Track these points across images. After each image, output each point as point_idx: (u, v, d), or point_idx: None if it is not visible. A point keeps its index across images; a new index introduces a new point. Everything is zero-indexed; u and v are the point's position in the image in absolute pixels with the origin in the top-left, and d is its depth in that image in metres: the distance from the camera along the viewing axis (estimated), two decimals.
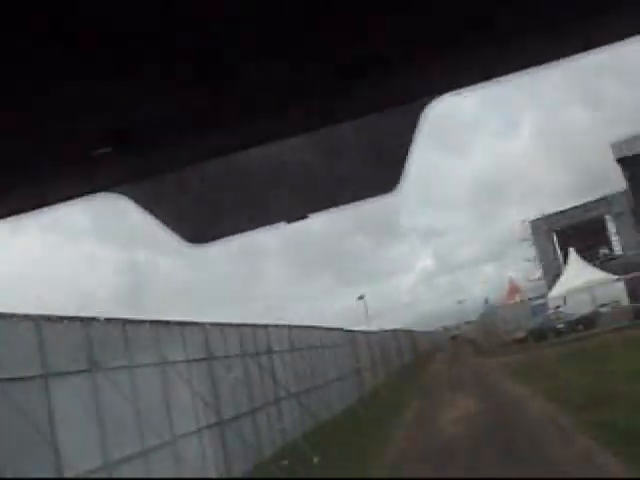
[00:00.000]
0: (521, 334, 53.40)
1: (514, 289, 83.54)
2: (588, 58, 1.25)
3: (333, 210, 1.67)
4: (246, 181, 1.53)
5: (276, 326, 25.07)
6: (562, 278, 68.22)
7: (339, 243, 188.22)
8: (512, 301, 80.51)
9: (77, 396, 12.24)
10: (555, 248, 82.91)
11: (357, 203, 1.66)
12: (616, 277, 63.04)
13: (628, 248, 77.45)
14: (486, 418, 19.42)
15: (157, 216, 1.49)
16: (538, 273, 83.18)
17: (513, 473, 12.62)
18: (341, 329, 37.21)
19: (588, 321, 45.88)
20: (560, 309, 57.20)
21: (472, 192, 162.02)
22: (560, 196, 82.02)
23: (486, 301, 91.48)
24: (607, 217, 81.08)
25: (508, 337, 55.67)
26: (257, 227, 1.63)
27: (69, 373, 12.33)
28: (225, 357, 19.18)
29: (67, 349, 12.43)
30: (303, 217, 1.65)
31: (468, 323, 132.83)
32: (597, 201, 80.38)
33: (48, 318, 12.20)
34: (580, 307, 51.17)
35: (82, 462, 11.71)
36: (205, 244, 1.60)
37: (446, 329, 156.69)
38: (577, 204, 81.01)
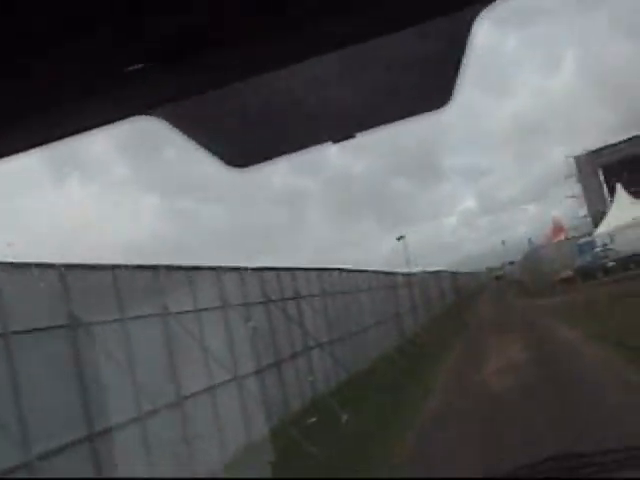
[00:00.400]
0: (568, 273, 50.88)
1: (558, 228, 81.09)
2: None
3: (381, 128, 1.60)
4: (289, 99, 1.46)
5: (305, 269, 23.11)
6: (609, 215, 65.66)
7: (380, 186, 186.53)
8: (556, 240, 78.02)
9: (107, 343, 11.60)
10: (601, 184, 79.98)
11: (407, 119, 1.58)
12: None
13: None
14: (537, 371, 17.28)
15: (196, 139, 1.44)
16: (583, 210, 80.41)
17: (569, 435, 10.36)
18: (379, 271, 35.35)
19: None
20: (608, 247, 54.96)
21: (514, 130, 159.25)
22: (605, 134, 77.95)
23: (530, 241, 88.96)
24: None
25: (555, 277, 53.19)
26: (302, 148, 1.58)
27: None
28: (244, 304, 17.28)
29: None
30: (350, 136, 1.59)
31: (512, 263, 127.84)
32: None
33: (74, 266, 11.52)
34: (629, 244, 48.71)
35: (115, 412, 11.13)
36: (246, 168, 1.56)
37: (490, 270, 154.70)
38: (623, 139, 77.79)
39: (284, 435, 14.76)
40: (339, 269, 27.58)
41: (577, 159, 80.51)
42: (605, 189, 79.65)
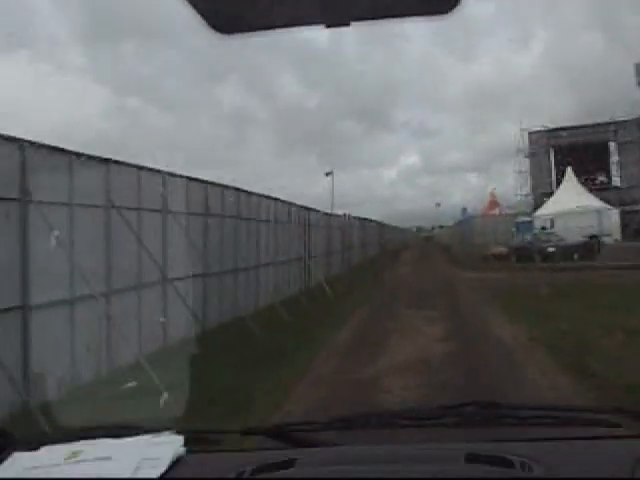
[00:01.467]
0: (502, 249, 46.28)
1: (494, 202, 79.85)
2: None
3: (377, 22, 1.58)
4: None
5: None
6: (553, 198, 61.87)
7: (330, 124, 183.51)
8: (491, 213, 76.27)
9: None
10: (551, 165, 75.72)
11: (408, 18, 1.56)
12: (613, 207, 56.78)
13: (627, 180, 70.78)
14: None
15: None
16: (527, 189, 76.20)
17: None
18: (295, 204, 29.88)
19: (586, 250, 38.27)
20: (547, 230, 51.19)
21: (472, 98, 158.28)
22: (560, 119, 74.32)
23: (464, 210, 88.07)
24: (611, 144, 73.74)
25: (486, 250, 48.72)
26: (292, 25, 1.57)
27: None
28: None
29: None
30: (345, 23, 1.56)
31: (442, 227, 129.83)
32: (605, 124, 72.71)
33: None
34: (568, 232, 44.65)
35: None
36: (231, 34, 1.55)
37: (419, 230, 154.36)
38: (584, 123, 73.43)
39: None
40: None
41: (531, 135, 75.92)
42: (553, 171, 75.42)
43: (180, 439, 2.17)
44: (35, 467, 2.01)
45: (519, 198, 75.97)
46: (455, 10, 1.47)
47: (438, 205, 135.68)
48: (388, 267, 45.92)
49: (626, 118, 70.86)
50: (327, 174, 54.23)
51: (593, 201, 58.09)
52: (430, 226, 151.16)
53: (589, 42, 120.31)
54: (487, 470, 1.79)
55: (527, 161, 75.87)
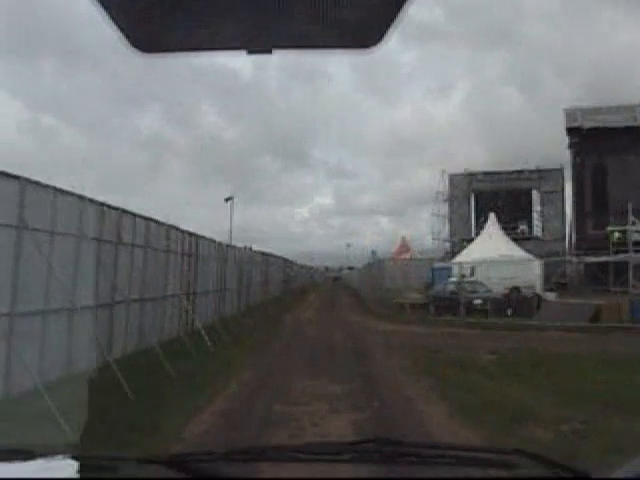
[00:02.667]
0: (417, 296, 40.70)
1: (405, 247, 78.00)
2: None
3: (300, 51, 1.61)
4: None
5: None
6: (474, 244, 57.05)
7: (247, 157, 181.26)
8: (402, 257, 72.44)
9: None
10: (471, 210, 71.30)
11: (330, 50, 1.61)
12: (536, 258, 52.19)
13: (549, 231, 66.82)
14: None
15: (108, 11, 1.41)
16: (445, 233, 71.55)
17: None
18: (186, 231, 24.82)
19: (523, 305, 32.47)
20: (470, 279, 46.37)
21: (391, 142, 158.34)
22: (482, 167, 71.35)
23: (373, 253, 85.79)
24: (535, 192, 69.72)
25: (400, 297, 43.30)
26: (216, 49, 1.58)
27: None
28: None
29: None
30: (267, 51, 1.57)
31: (351, 269, 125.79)
32: (530, 172, 68.75)
33: None
34: (489, 283, 39.54)
35: None
36: (151, 53, 1.52)
37: (328, 270, 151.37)
38: (507, 170, 69.35)
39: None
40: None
41: (452, 177, 71.49)
42: (473, 217, 71.05)
43: (75, 464, 2.12)
44: None
45: (436, 243, 71.52)
46: (376, 47, 1.50)
47: (349, 246, 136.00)
48: (291, 310, 40.12)
49: (551, 167, 67.22)
50: (227, 200, 48.28)
51: (516, 250, 53.56)
52: (339, 266, 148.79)
53: (509, 94, 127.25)
54: None
55: (446, 205, 71.32)
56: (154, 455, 2.39)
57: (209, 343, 20.34)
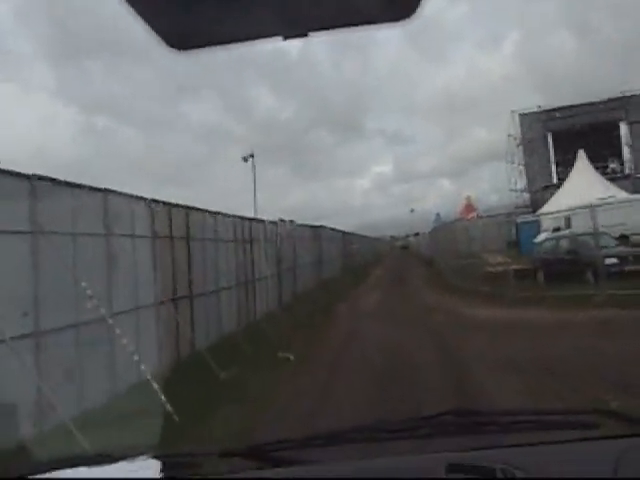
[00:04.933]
0: (506, 261, 30.58)
1: (470, 207, 68.45)
2: None
3: (337, 32, 1.56)
4: None
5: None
6: (563, 189, 47.02)
7: (303, 133, 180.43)
8: (469, 217, 61.63)
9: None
10: (550, 153, 60.79)
11: (366, 26, 1.55)
12: None
13: None
14: None
15: (140, 12, 1.41)
16: (521, 182, 61.34)
17: None
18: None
19: None
20: (562, 232, 36.46)
21: (445, 103, 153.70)
22: None
23: (437, 215, 79.44)
24: (622, 124, 58.85)
25: (484, 263, 33.56)
26: (250, 39, 1.55)
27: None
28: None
29: None
30: (303, 34, 1.54)
31: (417, 235, 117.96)
32: (613, 101, 57.92)
33: None
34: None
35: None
36: (187, 50, 1.53)
37: (393, 238, 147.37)
38: (587, 101, 58.56)
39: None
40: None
41: (523, 118, 61.05)
42: (553, 160, 60.58)
43: (158, 464, 2.16)
44: None
45: (506, 198, 61.50)
46: (415, 16, 1.45)
47: (412, 211, 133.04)
48: (349, 295, 30.96)
49: (638, 92, 56.32)
50: (245, 159, 38.86)
51: (616, 191, 43.47)
52: (404, 234, 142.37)
53: (563, 40, 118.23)
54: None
55: (520, 149, 60.96)
56: (233, 447, 2.33)
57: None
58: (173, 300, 15.47)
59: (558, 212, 36.08)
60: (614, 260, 21.64)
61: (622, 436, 2.05)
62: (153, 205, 14.90)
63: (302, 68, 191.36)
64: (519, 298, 21.34)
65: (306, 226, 34.99)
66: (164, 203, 15.68)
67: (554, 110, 59.50)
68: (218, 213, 19.65)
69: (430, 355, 13.36)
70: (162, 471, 2.10)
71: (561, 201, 42.61)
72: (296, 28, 1.50)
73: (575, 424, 2.18)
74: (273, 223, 27.10)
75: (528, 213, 50.67)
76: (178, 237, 16.23)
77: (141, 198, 14.44)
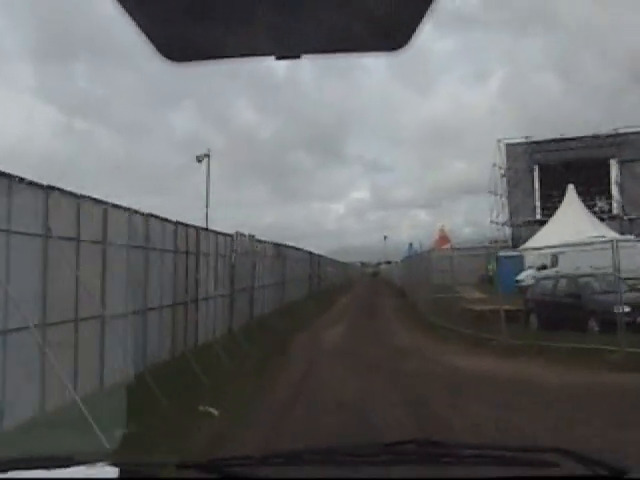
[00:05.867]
0: (483, 298, 26.70)
1: (444, 238, 67.64)
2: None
3: (329, 57, 1.61)
4: (240, 3, 1.46)
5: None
6: (550, 225, 43.80)
7: (283, 154, 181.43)
8: (443, 247, 58.36)
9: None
10: (535, 186, 57.56)
11: (358, 54, 1.60)
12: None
13: (630, 205, 52.90)
14: None
15: (139, 23, 1.43)
16: (502, 215, 57.98)
17: None
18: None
19: None
20: (547, 271, 33.80)
21: (427, 134, 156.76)
22: None
23: (410, 246, 77.29)
24: (612, 162, 55.72)
25: (464, 300, 29.87)
26: (244, 55, 1.57)
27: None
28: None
29: None
30: (296, 56, 1.58)
31: (389, 263, 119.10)
32: (606, 137, 54.87)
33: None
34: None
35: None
36: (182, 62, 1.54)
37: (364, 265, 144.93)
38: (578, 135, 55.41)
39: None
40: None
41: (510, 148, 57.88)
42: (538, 194, 57.40)
43: (115, 471, 2.10)
44: None
45: (487, 228, 58.17)
46: (406, 47, 1.48)
47: (385, 238, 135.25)
48: (311, 324, 27.09)
49: (632, 130, 53.27)
50: (199, 159, 35.27)
51: (606, 232, 40.16)
52: (376, 261, 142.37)
53: (547, 80, 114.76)
54: None
55: (504, 181, 57.67)
56: (192, 459, 2.31)
57: None
58: (75, 322, 11.82)
59: (548, 247, 32.55)
60: (627, 308, 17.88)
61: (580, 477, 2.06)
62: (49, 192, 11.27)
63: (287, 88, 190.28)
64: (511, 346, 17.56)
65: (268, 243, 31.13)
66: (72, 194, 12.07)
67: (542, 142, 56.38)
68: (152, 215, 15.95)
69: (405, 428, 9.51)
70: (119, 478, 2.00)
71: (545, 238, 39.44)
72: (290, 49, 1.52)
73: (536, 462, 2.14)
74: (227, 236, 23.27)
75: (507, 247, 47.30)
76: (88, 240, 12.62)
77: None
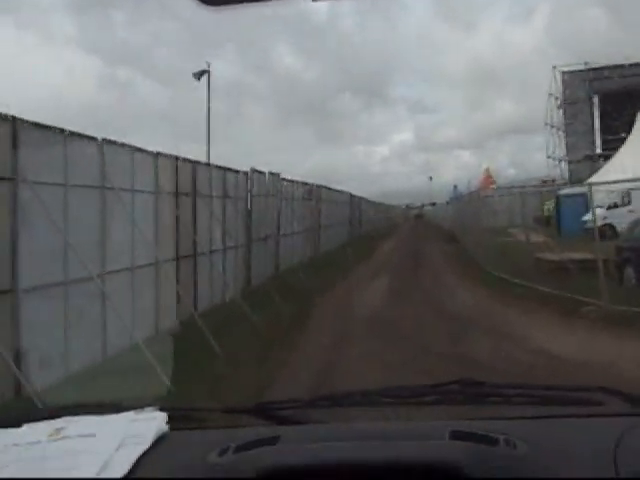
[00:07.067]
0: (563, 249, 21.80)
1: (489, 179, 69.91)
2: None
3: None
4: None
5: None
6: (617, 158, 38.81)
7: (325, 98, 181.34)
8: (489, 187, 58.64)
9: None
10: (595, 118, 52.33)
11: None
12: None
13: None
14: None
15: None
16: (560, 149, 52.85)
17: None
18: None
19: None
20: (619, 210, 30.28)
21: (472, 74, 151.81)
22: None
23: (455, 187, 77.40)
24: None
25: (528, 246, 24.91)
26: None
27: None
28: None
29: None
30: None
31: (434, 204, 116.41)
32: None
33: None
34: None
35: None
36: (218, 6, 1.47)
37: (408, 207, 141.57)
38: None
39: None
40: None
41: (566, 76, 52.40)
42: (598, 125, 52.08)
43: (163, 416, 2.03)
44: (16, 444, 1.85)
45: (542, 165, 53.32)
46: None
47: (431, 179, 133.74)
48: (346, 276, 22.89)
49: None
50: (198, 76, 31.37)
51: None
52: (420, 203, 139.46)
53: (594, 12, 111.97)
54: (471, 447, 1.66)
55: (560, 113, 52.40)
56: (241, 404, 2.31)
57: None
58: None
59: (623, 181, 26.94)
60: None
61: (626, 414, 1.94)
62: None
63: (328, 31, 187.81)
64: (621, 316, 12.86)
65: (297, 183, 26.68)
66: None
67: (603, 69, 50.89)
68: (136, 149, 13.62)
69: None
70: (167, 422, 1.91)
71: (617, 171, 34.44)
72: None
73: (579, 400, 2.06)
74: (241, 174, 18.88)
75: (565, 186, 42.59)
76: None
77: None
